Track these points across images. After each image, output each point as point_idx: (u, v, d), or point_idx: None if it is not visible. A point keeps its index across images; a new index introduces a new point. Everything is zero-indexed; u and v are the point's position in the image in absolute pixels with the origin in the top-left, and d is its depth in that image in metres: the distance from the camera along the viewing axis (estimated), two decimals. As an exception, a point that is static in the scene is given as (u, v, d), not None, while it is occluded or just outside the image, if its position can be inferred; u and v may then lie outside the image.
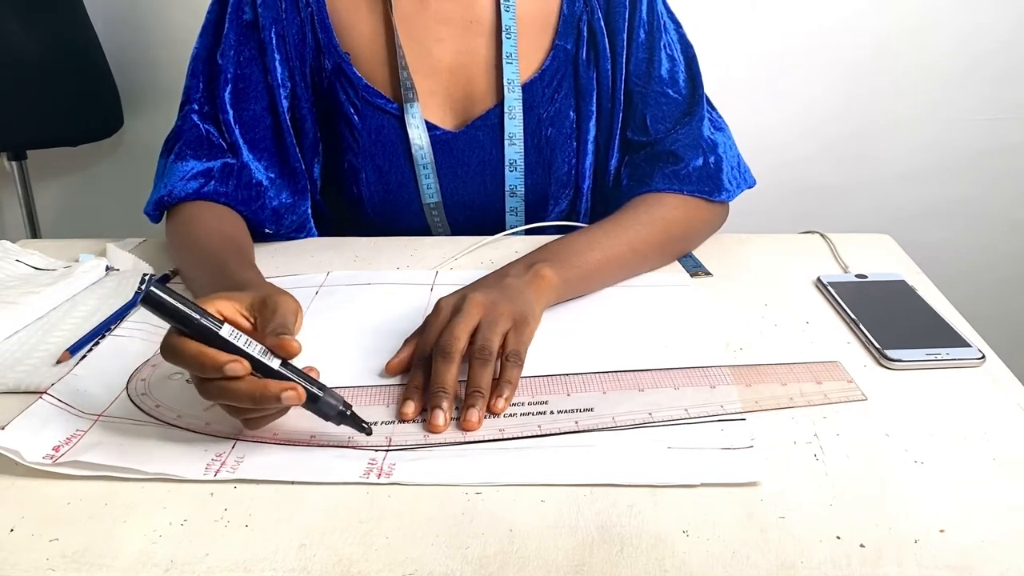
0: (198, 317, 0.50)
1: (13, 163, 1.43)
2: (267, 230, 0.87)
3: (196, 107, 0.86)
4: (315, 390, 0.52)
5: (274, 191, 0.87)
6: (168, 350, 0.51)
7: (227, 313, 0.54)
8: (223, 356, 0.50)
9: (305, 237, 0.91)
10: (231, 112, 0.85)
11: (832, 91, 1.49)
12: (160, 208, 0.83)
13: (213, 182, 0.83)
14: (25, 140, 1.40)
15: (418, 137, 0.88)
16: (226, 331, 0.51)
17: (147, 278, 0.78)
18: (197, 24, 0.89)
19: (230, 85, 0.85)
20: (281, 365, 0.52)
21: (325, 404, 0.52)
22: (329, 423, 0.53)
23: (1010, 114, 1.50)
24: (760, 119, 1.49)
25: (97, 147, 1.51)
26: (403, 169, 0.90)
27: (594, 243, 0.75)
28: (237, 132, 0.85)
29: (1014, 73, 1.47)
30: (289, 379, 0.52)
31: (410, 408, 0.57)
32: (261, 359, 0.51)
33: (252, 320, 0.56)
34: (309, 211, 0.91)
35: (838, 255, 0.83)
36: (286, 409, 0.54)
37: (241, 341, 0.51)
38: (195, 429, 0.55)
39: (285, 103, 0.87)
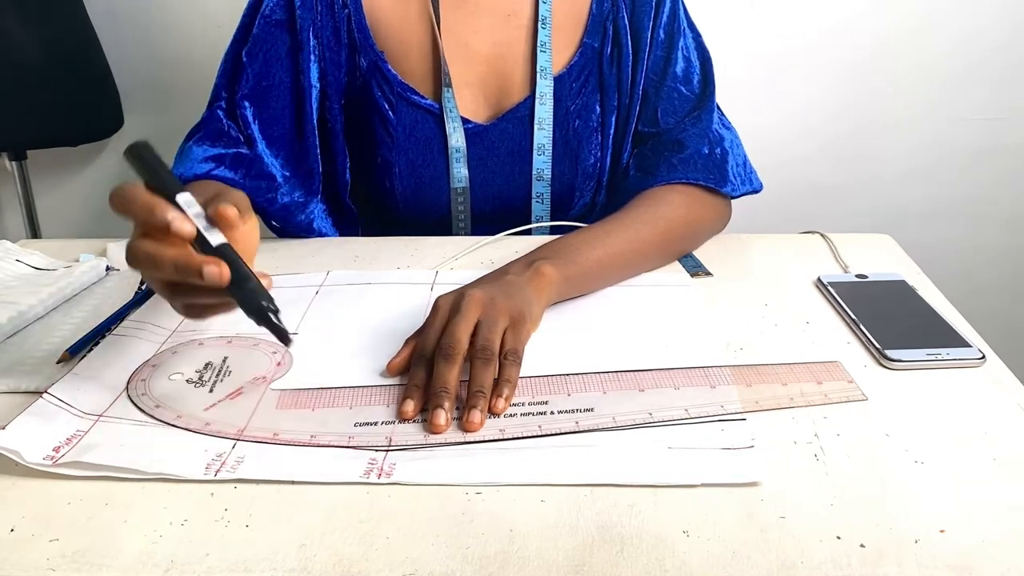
0: (166, 175, 0.51)
1: (13, 163, 1.43)
2: (274, 223, 0.89)
3: (223, 104, 0.87)
4: (243, 274, 0.51)
5: (287, 187, 0.88)
6: (120, 195, 0.52)
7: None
8: (168, 208, 0.51)
9: (312, 237, 0.92)
10: (250, 109, 0.86)
11: (832, 91, 1.49)
12: None
13: (223, 167, 0.84)
14: (25, 140, 1.40)
15: (452, 121, 0.90)
16: (183, 198, 0.52)
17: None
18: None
19: (251, 82, 0.86)
20: (223, 246, 0.51)
21: (249, 294, 0.51)
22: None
23: (1009, 114, 1.50)
24: (760, 119, 1.49)
25: (97, 147, 1.51)
26: (436, 162, 0.91)
27: (595, 241, 0.75)
28: (254, 128, 0.86)
29: (1013, 73, 1.47)
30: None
31: (410, 407, 0.57)
32: (204, 232, 0.51)
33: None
34: (317, 210, 0.92)
35: (838, 255, 0.83)
36: (220, 299, 0.54)
37: (192, 211, 0.51)
38: (195, 429, 0.55)
39: (315, 104, 0.88)
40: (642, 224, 0.80)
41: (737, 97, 1.35)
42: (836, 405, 0.58)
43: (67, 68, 1.34)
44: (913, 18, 1.44)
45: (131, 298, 0.74)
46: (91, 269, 0.78)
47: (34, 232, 1.49)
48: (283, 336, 0.53)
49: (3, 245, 0.84)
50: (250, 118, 0.86)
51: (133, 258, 0.53)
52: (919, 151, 1.53)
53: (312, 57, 0.87)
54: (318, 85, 0.88)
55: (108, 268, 0.80)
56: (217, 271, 0.50)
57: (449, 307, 0.63)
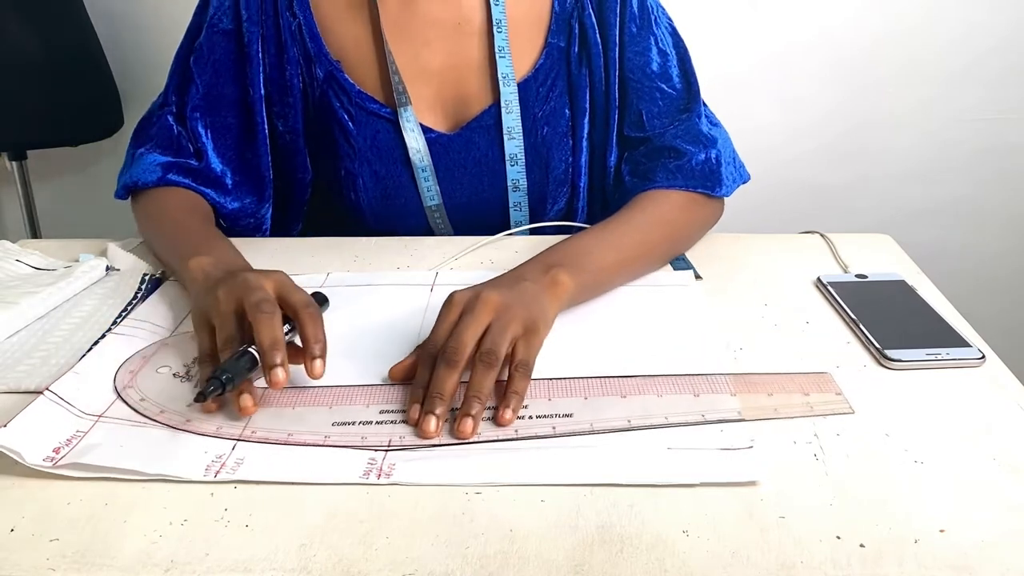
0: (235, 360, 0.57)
1: (13, 163, 1.43)
2: (223, 223, 0.90)
3: (173, 109, 0.89)
4: (217, 379, 0.56)
5: (237, 192, 0.89)
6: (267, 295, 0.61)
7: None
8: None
9: (260, 236, 0.93)
10: (200, 120, 0.88)
11: (832, 91, 1.49)
12: (127, 192, 0.87)
13: (173, 173, 0.86)
14: (25, 140, 1.41)
15: (414, 141, 0.88)
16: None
17: (147, 275, 0.78)
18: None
19: (201, 92, 0.88)
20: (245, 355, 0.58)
21: (228, 362, 0.57)
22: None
23: (1010, 114, 1.50)
24: (760, 119, 1.49)
25: (97, 147, 1.51)
26: (400, 173, 0.89)
27: (607, 245, 0.75)
28: (203, 138, 0.88)
29: (1014, 72, 1.47)
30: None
31: (416, 412, 0.56)
32: (237, 355, 0.58)
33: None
34: (268, 215, 0.92)
35: (838, 255, 0.83)
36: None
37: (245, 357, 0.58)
38: (175, 425, 0.56)
39: (263, 114, 0.88)
40: (648, 226, 0.79)
41: (738, 97, 1.36)
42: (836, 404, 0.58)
43: (67, 68, 1.34)
44: (913, 18, 1.44)
45: (131, 298, 0.74)
46: (91, 269, 0.78)
47: (34, 232, 1.49)
48: (199, 395, 0.56)
49: (3, 245, 0.84)
50: (200, 130, 0.88)
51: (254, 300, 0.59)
52: (919, 151, 1.53)
53: (260, 68, 0.87)
54: (262, 93, 0.88)
55: (108, 268, 0.80)
56: (280, 381, 0.56)
57: (462, 307, 0.61)
